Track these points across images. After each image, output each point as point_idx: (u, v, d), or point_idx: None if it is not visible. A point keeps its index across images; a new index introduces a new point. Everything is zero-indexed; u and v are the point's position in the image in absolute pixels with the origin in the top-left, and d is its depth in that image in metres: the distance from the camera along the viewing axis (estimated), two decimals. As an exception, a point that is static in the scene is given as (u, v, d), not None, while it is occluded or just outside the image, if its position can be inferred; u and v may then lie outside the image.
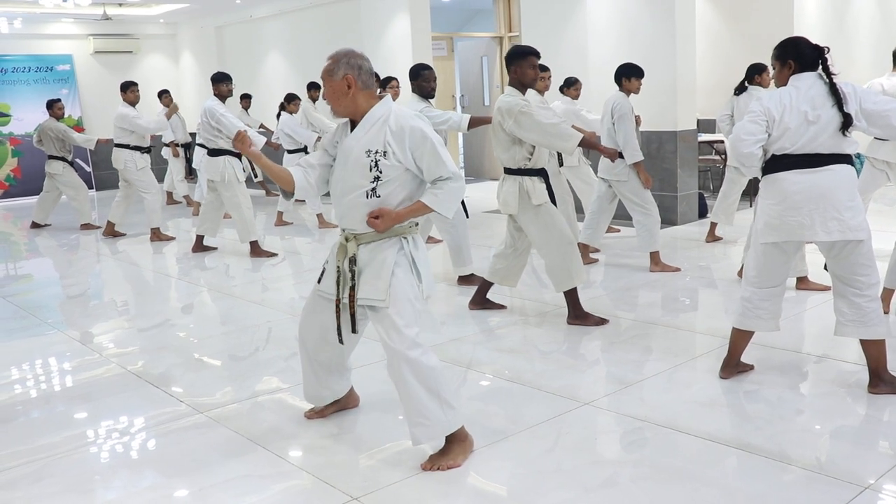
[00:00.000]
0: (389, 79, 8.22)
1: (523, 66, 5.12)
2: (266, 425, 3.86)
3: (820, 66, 3.84)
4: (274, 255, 8.13)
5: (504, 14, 13.73)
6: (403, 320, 3.24)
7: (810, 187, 3.77)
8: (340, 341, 3.45)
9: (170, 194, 12.79)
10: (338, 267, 3.37)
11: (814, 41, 3.95)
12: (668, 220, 8.57)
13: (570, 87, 8.34)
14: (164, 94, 12.39)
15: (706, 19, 11.16)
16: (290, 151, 9.99)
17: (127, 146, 9.14)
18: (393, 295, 3.26)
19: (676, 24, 8.49)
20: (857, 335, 3.90)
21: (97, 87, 15.19)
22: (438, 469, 3.27)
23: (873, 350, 3.90)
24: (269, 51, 14.59)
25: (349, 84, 3.31)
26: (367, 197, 3.28)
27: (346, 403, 3.94)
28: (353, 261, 3.33)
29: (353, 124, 3.38)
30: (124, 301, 6.89)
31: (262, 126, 12.72)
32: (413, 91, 6.27)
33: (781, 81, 3.93)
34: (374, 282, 3.29)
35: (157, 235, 9.31)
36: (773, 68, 3.99)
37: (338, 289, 3.38)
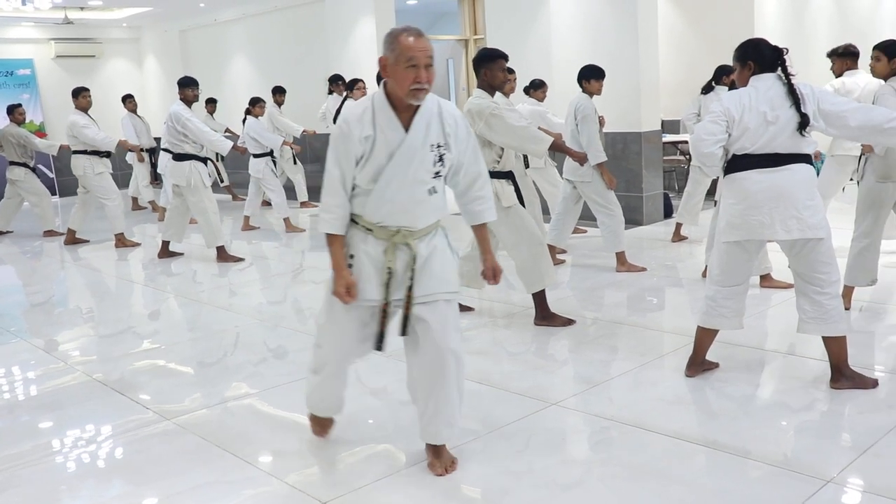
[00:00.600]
0: (356, 80, 8.24)
1: (493, 68, 5.12)
2: (235, 431, 3.84)
3: (779, 68, 3.90)
4: (241, 259, 8.08)
5: (469, 17, 13.78)
6: (458, 316, 3.20)
7: (770, 187, 3.83)
8: (380, 348, 3.21)
9: (135, 200, 12.67)
10: (389, 269, 3.09)
11: (773, 41, 4.01)
12: (634, 220, 8.64)
13: (537, 89, 8.39)
14: (127, 99, 12.26)
15: (668, 21, 11.27)
16: (255, 156, 9.94)
17: (84, 152, 9.04)
18: (455, 288, 3.18)
19: (639, 26, 8.57)
20: (818, 332, 3.97)
21: (59, 91, 14.96)
22: (447, 471, 3.27)
23: (835, 346, 3.96)
24: (233, 54, 14.52)
25: None
26: (430, 193, 3.09)
27: None
28: (413, 259, 3.10)
29: (401, 117, 3.06)
30: (89, 308, 6.81)
31: (227, 130, 12.65)
32: None
33: (742, 82, 3.98)
34: (441, 273, 3.13)
35: (122, 241, 9.22)
36: (735, 69, 4.04)
37: (387, 291, 3.12)
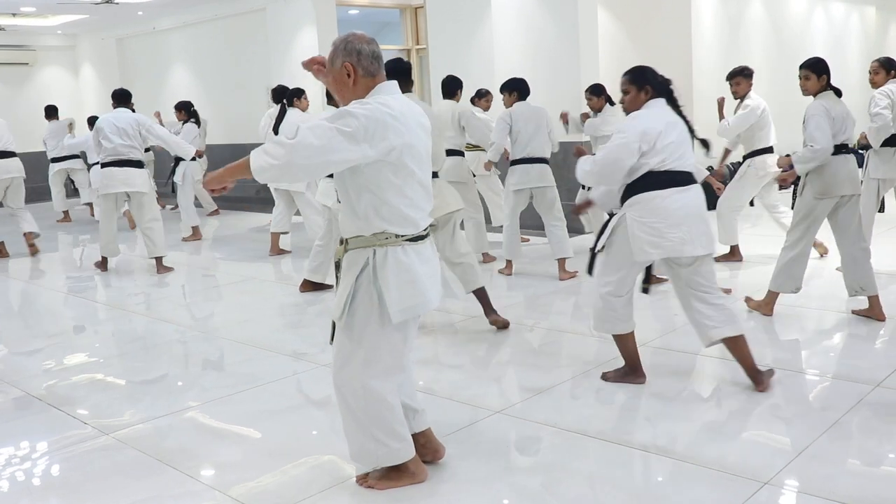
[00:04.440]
0: (299, 90, 8.21)
1: None
2: (176, 445, 3.78)
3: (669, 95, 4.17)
4: (170, 269, 7.97)
5: (411, 27, 13.81)
6: (346, 347, 3.05)
7: (687, 205, 4.04)
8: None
9: (66, 213, 12.45)
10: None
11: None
12: (577, 228, 8.73)
13: (482, 98, 8.48)
14: (51, 112, 11.93)
15: (609, 32, 11.39)
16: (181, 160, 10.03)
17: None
18: (350, 316, 3.02)
19: (580, 36, 8.69)
20: (732, 332, 4.10)
21: (-9, 99, 14.65)
22: (360, 483, 3.24)
23: (742, 347, 4.11)
24: (173, 63, 14.32)
25: (348, 72, 2.99)
26: (339, 200, 3.09)
27: (422, 454, 3.37)
28: (337, 266, 3.11)
29: None
30: (23, 322, 6.64)
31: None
32: (329, 104, 6.28)
33: (636, 105, 4.14)
34: (338, 296, 3.05)
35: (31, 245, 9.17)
36: (626, 93, 4.16)
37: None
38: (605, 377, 4.33)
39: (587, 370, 4.52)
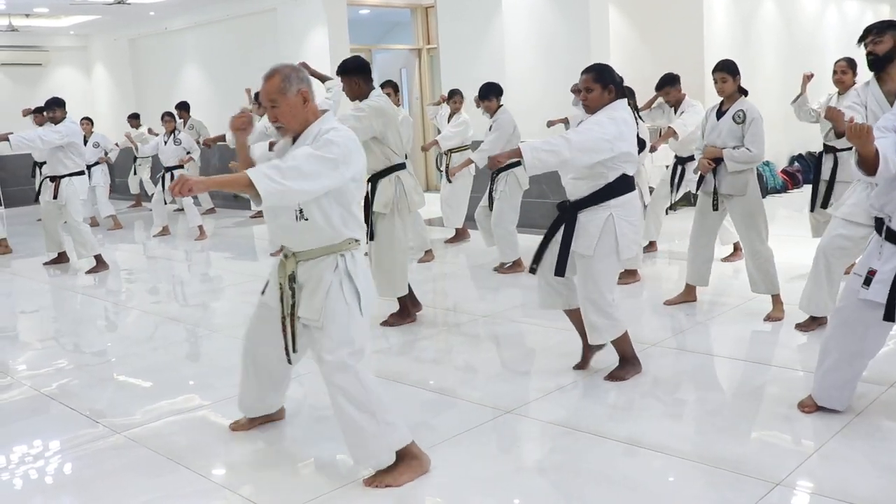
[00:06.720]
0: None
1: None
2: (187, 444, 3.79)
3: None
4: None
5: (422, 27, 13.81)
6: (332, 342, 3.19)
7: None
8: (289, 361, 3.43)
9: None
10: (280, 283, 3.34)
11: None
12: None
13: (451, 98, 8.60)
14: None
15: (621, 34, 11.39)
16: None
17: None
18: (326, 315, 3.20)
19: (591, 37, 8.65)
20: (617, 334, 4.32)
21: (4, 100, 14.67)
22: (376, 486, 3.23)
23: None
24: (185, 63, 14.37)
25: (305, 98, 3.22)
26: (297, 219, 3.21)
27: (275, 416, 3.93)
28: (292, 278, 3.30)
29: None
30: (36, 321, 6.67)
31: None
32: None
33: (600, 104, 4.13)
34: (310, 300, 3.25)
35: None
36: (589, 91, 4.14)
37: (281, 305, 3.35)
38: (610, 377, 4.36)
39: (597, 370, 4.51)
